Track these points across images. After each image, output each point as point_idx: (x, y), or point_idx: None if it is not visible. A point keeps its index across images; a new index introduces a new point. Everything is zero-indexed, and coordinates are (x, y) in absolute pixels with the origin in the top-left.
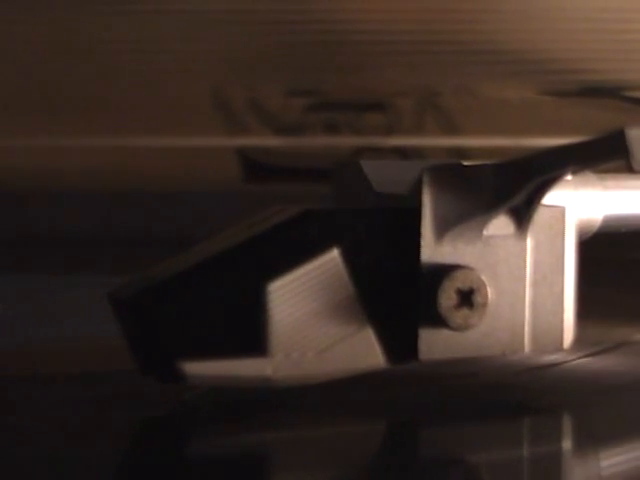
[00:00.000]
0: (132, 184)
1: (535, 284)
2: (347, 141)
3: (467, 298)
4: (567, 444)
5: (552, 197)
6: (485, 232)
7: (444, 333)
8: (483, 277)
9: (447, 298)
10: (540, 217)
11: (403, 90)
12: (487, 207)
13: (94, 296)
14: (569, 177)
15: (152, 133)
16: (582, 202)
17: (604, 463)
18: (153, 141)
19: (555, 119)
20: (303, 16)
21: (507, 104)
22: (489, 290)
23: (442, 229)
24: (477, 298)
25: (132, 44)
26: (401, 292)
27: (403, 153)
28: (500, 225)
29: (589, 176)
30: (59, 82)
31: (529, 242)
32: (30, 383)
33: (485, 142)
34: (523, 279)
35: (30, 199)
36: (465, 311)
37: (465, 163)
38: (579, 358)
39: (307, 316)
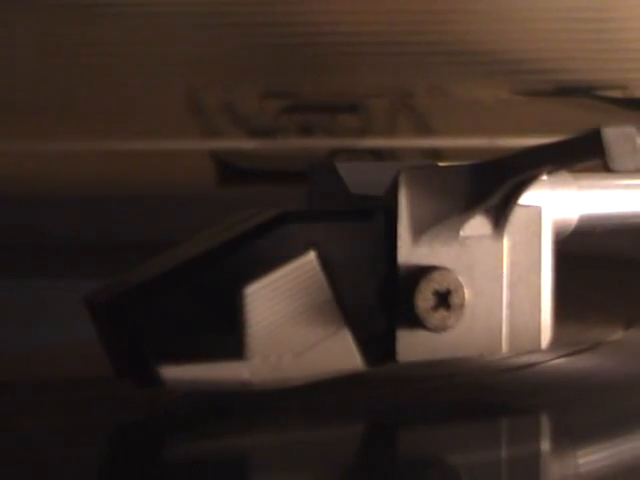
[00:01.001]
0: (105, 188)
1: (512, 284)
2: (321, 143)
3: (444, 299)
4: (545, 444)
5: (528, 197)
6: (461, 233)
7: (421, 334)
8: (460, 278)
9: (424, 299)
10: (516, 217)
11: (377, 91)
12: (463, 208)
13: (72, 301)
14: (545, 177)
15: (126, 136)
16: (558, 202)
17: (582, 462)
18: (127, 144)
19: (529, 119)
20: (276, 18)
21: (481, 104)
22: (466, 291)
23: (418, 230)
24: (454, 299)
25: (104, 47)
26: (378, 294)
27: (377, 154)
28: (476, 226)
29: (565, 176)
30: (32, 86)
31: (506, 242)
32: (11, 387)
33: (459, 143)
34: (500, 279)
35: (7, 204)
36: (442, 312)
37: (441, 164)
38: (557, 358)
39: (284, 319)
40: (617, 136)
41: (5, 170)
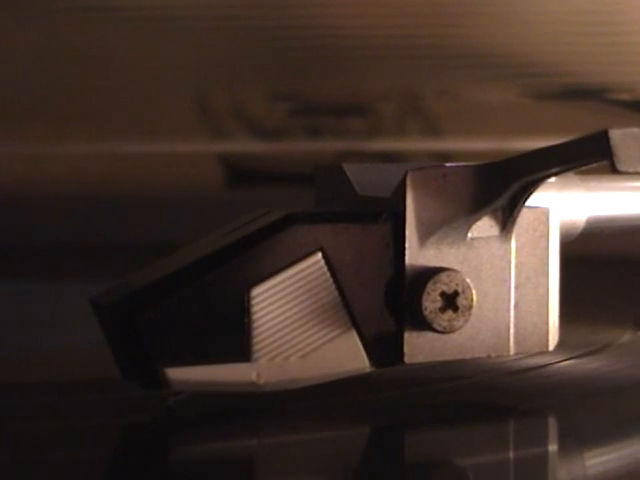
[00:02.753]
0: (114, 190)
1: (519, 286)
2: (329, 146)
3: (452, 301)
4: (553, 446)
5: (536, 199)
6: (469, 234)
7: (429, 336)
8: (467, 279)
9: (432, 301)
10: (524, 219)
11: (385, 94)
12: (471, 209)
13: (76, 302)
14: (552, 179)
15: (134, 139)
16: (566, 204)
17: (589, 464)
18: (135, 147)
19: (537, 122)
20: (285, 22)
21: (489, 107)
22: (474, 292)
23: (426, 232)
24: (462, 300)
25: (114, 51)
26: (385, 295)
27: (386, 157)
28: (484, 227)
29: (572, 178)
30: (42, 89)
31: (513, 244)
32: (15, 390)
33: (467, 145)
34: (507, 281)
35: (15, 206)
36: (450, 314)
37: (448, 165)
38: (565, 360)
39: (291, 320)
40: (624, 137)
41: (10, 171)
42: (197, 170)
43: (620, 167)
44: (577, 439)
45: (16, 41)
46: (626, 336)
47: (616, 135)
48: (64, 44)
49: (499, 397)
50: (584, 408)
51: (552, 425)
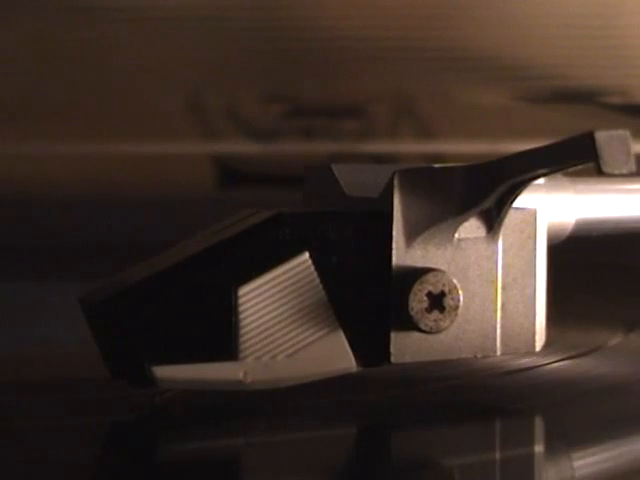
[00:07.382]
0: (107, 191)
1: (506, 287)
2: (322, 147)
3: (438, 301)
4: (540, 447)
5: (524, 200)
6: (456, 235)
7: (415, 336)
8: (454, 280)
9: (418, 301)
10: (511, 220)
11: (378, 96)
12: (458, 210)
13: (71, 302)
14: (541, 180)
15: (127, 140)
16: (554, 206)
17: (577, 465)
18: (128, 148)
19: (529, 125)
20: (279, 23)
21: (482, 109)
22: (460, 293)
23: (413, 232)
24: (448, 301)
25: (107, 52)
26: (372, 295)
27: (378, 159)
28: (471, 228)
29: (561, 180)
30: (32, 88)
31: (500, 245)
32: (9, 388)
33: (459, 147)
34: (494, 282)
35: (8, 206)
36: (436, 314)
37: (436, 166)
38: (554, 362)
39: (278, 319)
40: (609, 139)
41: (6, 172)
42: (190, 171)
43: (605, 169)
44: (568, 440)
45: (12, 41)
46: (618, 338)
47: (602, 137)
48: (58, 44)
49: (489, 398)
50: (574, 409)
51: (541, 426)
